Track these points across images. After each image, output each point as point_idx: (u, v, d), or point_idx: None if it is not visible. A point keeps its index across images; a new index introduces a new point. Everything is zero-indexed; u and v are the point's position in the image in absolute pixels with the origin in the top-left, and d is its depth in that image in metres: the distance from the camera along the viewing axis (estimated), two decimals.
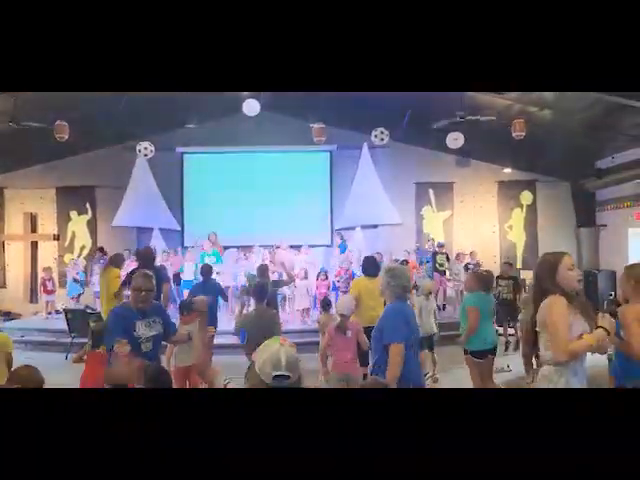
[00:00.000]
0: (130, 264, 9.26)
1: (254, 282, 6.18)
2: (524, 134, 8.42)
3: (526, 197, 11.98)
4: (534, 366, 6.19)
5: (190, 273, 9.94)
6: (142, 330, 3.35)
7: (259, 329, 4.21)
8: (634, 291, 2.97)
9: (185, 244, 11.61)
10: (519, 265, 11.82)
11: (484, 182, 11.91)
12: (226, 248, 10.86)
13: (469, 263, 10.31)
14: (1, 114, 8.12)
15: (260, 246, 10.54)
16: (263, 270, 6.82)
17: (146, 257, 5.87)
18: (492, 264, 10.74)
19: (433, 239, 11.36)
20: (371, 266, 6.02)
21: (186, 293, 9.47)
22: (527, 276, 10.72)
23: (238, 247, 10.71)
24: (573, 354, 2.41)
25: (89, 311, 7.93)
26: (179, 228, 11.83)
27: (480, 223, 12.01)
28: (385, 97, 8.44)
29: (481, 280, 5.07)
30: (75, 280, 10.62)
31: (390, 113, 9.38)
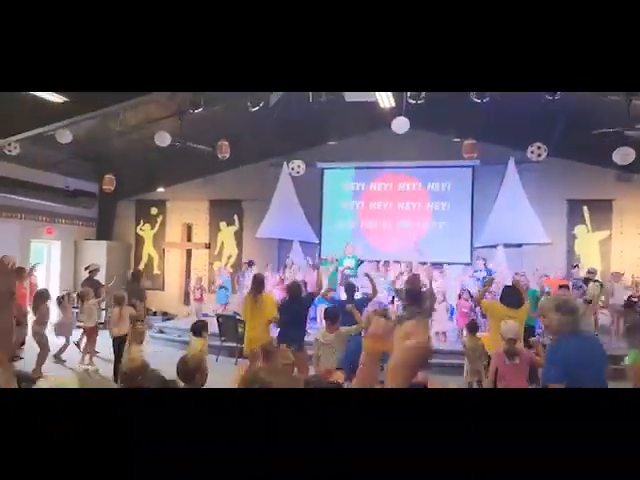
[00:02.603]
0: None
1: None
2: None
3: None
4: None
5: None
6: None
7: None
8: None
9: (322, 256, 11.94)
10: None
11: None
12: (362, 262, 10.94)
13: (632, 296, 9.13)
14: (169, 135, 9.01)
15: (395, 261, 10.43)
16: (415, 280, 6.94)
17: (294, 290, 6.43)
18: None
19: (578, 265, 10.35)
20: (510, 296, 5.73)
21: (320, 306, 9.57)
22: None
23: (377, 262, 10.72)
24: None
25: (238, 317, 8.45)
26: (317, 241, 12.21)
27: None
28: (531, 109, 7.92)
29: None
30: (222, 288, 11.37)
31: (537, 127, 8.80)
